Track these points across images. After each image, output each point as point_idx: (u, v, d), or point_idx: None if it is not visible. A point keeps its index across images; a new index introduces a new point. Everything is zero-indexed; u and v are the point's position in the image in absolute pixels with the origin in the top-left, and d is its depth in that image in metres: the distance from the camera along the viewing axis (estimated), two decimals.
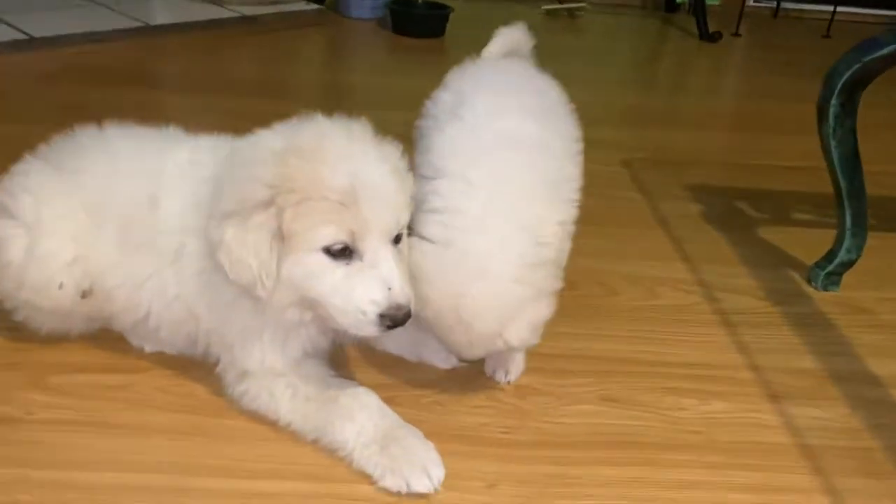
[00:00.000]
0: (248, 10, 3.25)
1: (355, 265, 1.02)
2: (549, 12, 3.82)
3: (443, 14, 3.28)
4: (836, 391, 1.35)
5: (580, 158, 1.28)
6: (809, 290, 1.65)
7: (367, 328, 1.02)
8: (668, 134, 2.51)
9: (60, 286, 1.17)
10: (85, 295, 1.19)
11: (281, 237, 1.00)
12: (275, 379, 1.14)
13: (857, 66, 1.45)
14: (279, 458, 1.10)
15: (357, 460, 1.08)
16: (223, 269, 1.03)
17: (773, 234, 1.87)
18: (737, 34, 3.80)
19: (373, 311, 1.01)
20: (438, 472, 1.06)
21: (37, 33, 2.69)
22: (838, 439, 1.24)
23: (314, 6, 3.43)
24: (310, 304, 1.05)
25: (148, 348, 1.27)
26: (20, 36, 2.66)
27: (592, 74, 3.01)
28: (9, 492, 1.01)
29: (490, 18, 3.88)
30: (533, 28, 3.62)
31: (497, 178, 1.14)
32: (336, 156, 1.01)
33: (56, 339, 1.27)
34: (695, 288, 1.63)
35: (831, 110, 1.50)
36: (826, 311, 1.58)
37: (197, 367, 1.24)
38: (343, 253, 1.01)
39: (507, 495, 1.08)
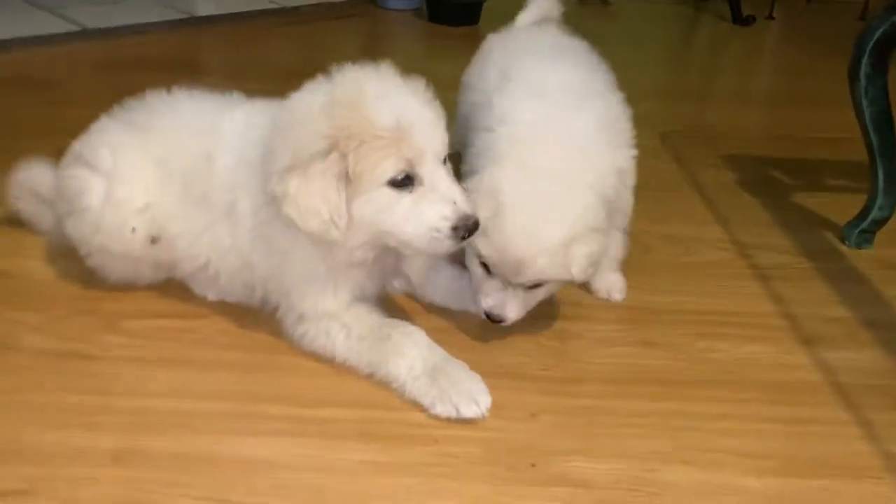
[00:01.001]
0: (289, 2, 3.36)
1: (418, 191, 1.09)
2: (582, 1, 3.87)
3: (477, 2, 3.35)
4: (868, 336, 1.39)
5: (629, 111, 1.37)
6: (843, 248, 1.69)
7: (444, 244, 1.10)
8: (703, 109, 2.56)
9: (133, 230, 1.27)
10: (154, 241, 1.28)
11: (347, 180, 1.07)
12: (330, 321, 1.22)
13: (887, 25, 1.49)
14: (336, 389, 1.18)
15: (409, 391, 1.15)
16: (291, 222, 1.08)
17: (807, 200, 1.91)
18: (770, 17, 3.81)
19: (446, 227, 1.08)
20: (486, 400, 1.13)
21: (90, 25, 2.81)
22: (870, 379, 1.28)
23: None
24: (383, 237, 1.12)
25: (211, 296, 1.36)
26: (74, 28, 2.79)
27: (627, 57, 3.04)
28: (92, 414, 1.10)
29: (523, 6, 3.96)
30: (567, 16, 3.66)
31: (560, 122, 1.24)
32: (377, 98, 1.08)
33: (125, 289, 1.36)
34: (730, 246, 1.67)
35: (862, 70, 1.54)
36: (859, 267, 1.62)
37: (256, 314, 1.32)
38: (405, 182, 1.08)
39: (549, 424, 1.14)
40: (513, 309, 1.22)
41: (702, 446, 1.12)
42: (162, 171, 1.28)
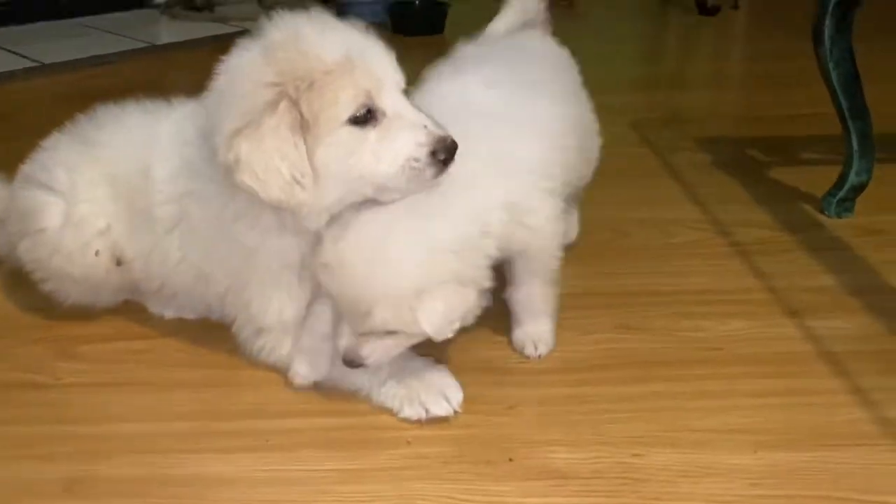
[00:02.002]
0: (251, 24, 3.31)
1: (382, 123, 0.98)
2: (546, 2, 3.85)
3: (441, 10, 3.32)
4: (856, 303, 1.33)
5: (566, 138, 1.19)
6: (823, 218, 1.64)
7: (426, 173, 0.97)
8: (674, 96, 2.52)
9: (97, 253, 1.21)
10: (119, 262, 1.22)
11: (303, 128, 0.95)
12: (289, 333, 1.15)
13: None
14: (300, 399, 1.12)
15: (376, 399, 1.09)
16: (250, 191, 0.96)
17: (784, 175, 1.86)
18: (735, 7, 3.80)
19: (423, 153, 0.96)
20: (456, 395, 1.07)
21: (48, 60, 2.77)
22: (860, 345, 1.23)
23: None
24: (356, 186, 0.99)
25: (168, 314, 1.30)
26: (33, 64, 2.75)
27: (595, 51, 3.02)
28: (46, 445, 1.04)
29: (489, 12, 3.93)
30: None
31: None
32: (318, 33, 0.98)
33: (78, 314, 1.30)
34: (708, 226, 1.62)
35: (826, 32, 1.50)
36: (840, 236, 1.57)
37: (213, 330, 1.26)
38: (367, 117, 0.97)
39: (528, 415, 1.09)
40: (370, 352, 1.02)
41: (689, 426, 1.06)
42: (113, 189, 1.22)
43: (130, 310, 1.31)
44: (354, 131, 0.96)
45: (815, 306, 1.33)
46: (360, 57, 0.97)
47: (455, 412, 1.06)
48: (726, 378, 1.16)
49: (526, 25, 1.39)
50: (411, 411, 1.06)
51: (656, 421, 1.07)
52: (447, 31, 3.29)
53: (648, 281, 1.41)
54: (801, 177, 1.83)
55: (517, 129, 1.11)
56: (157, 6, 3.55)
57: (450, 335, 1.01)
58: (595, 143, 1.35)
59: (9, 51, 2.89)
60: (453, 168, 0.99)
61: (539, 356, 1.20)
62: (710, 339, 1.25)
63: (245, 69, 0.98)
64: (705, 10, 3.66)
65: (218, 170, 1.00)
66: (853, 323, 1.28)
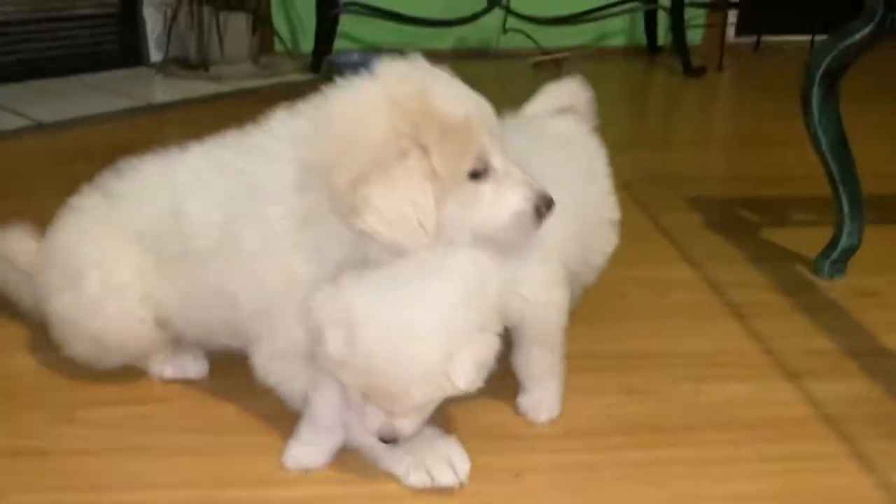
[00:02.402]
0: (245, 84, 3.37)
1: (494, 179, 1.02)
2: (535, 65, 3.94)
3: None
4: (854, 366, 1.35)
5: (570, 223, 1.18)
6: (817, 280, 1.67)
7: (530, 226, 1.04)
8: (663, 156, 2.57)
9: (142, 322, 1.21)
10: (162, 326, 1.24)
11: (431, 177, 0.98)
12: (304, 367, 1.11)
13: (832, 54, 1.51)
14: None
15: (382, 463, 1.09)
16: (369, 234, 0.97)
17: (776, 236, 1.90)
18: (720, 68, 3.90)
19: (530, 206, 1.02)
20: (463, 465, 1.06)
21: (45, 119, 2.79)
22: (860, 408, 1.24)
23: (309, 76, 3.56)
24: (464, 234, 1.03)
25: (167, 374, 1.30)
26: (29, 122, 2.76)
27: None
28: None
29: (478, 75, 4.02)
30: (522, 80, 3.72)
31: None
32: (441, 89, 1.00)
33: (78, 377, 1.29)
34: (703, 286, 1.65)
35: (813, 100, 1.55)
36: (835, 297, 1.59)
37: (219, 393, 1.26)
38: (482, 173, 1.01)
39: (533, 484, 1.08)
40: (405, 426, 1.01)
41: (695, 493, 1.06)
42: (141, 245, 1.21)
43: (130, 372, 1.30)
44: (472, 185, 1.01)
45: (813, 369, 1.34)
46: (475, 115, 1.01)
47: (461, 483, 1.05)
48: (729, 443, 1.16)
49: (565, 111, 1.39)
50: (417, 479, 1.05)
51: (663, 487, 1.07)
52: None
53: (648, 343, 1.43)
54: (792, 237, 1.87)
55: None
56: (153, 65, 3.60)
57: (481, 384, 1.01)
58: (606, 238, 1.34)
59: (3, 108, 2.92)
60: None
61: (543, 423, 1.20)
62: (711, 403, 1.26)
63: (375, 116, 0.98)
64: (691, 71, 3.76)
65: (325, 209, 1.01)
66: (852, 386, 1.30)
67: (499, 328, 1.03)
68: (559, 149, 1.28)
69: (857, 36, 1.48)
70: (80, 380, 1.30)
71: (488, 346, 1.00)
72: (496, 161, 1.03)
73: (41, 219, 1.37)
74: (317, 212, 1.03)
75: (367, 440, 1.07)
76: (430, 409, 1.04)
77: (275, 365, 1.14)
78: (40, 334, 1.42)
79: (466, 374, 0.97)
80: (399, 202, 0.96)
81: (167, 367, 1.30)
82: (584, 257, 1.27)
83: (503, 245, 1.05)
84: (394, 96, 0.98)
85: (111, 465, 1.12)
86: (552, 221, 1.11)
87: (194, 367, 1.32)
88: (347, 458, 1.11)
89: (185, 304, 1.20)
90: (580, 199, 1.24)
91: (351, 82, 1.04)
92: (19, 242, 1.39)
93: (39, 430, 1.19)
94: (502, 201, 1.02)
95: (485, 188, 1.02)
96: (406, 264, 1.00)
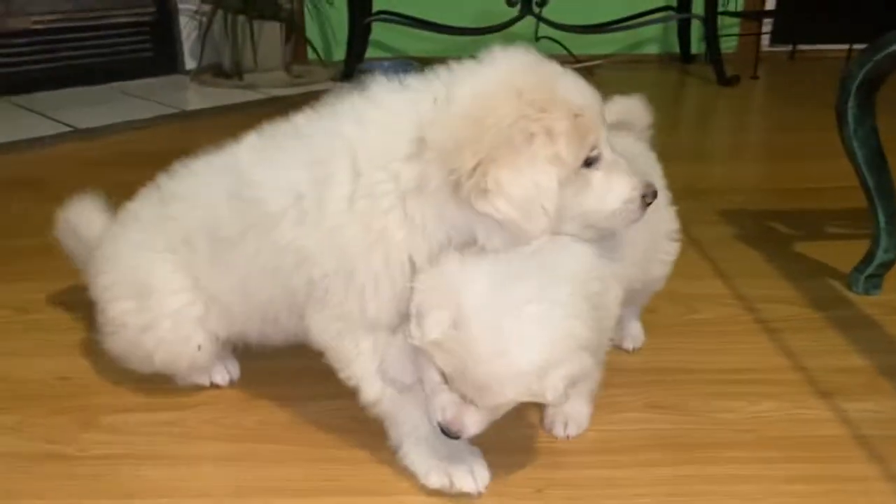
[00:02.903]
0: (278, 92, 3.40)
1: (603, 167, 1.03)
2: None
3: None
4: (888, 385, 1.31)
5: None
6: (851, 295, 1.63)
7: (635, 214, 1.05)
8: (695, 168, 2.54)
9: (199, 348, 1.23)
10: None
11: (557, 163, 0.97)
12: (366, 335, 1.10)
13: (869, 65, 1.48)
14: (326, 476, 1.11)
15: (405, 454, 1.09)
16: (491, 216, 0.96)
17: (809, 249, 1.86)
18: (755, 77, 3.85)
19: (637, 195, 1.04)
20: (483, 474, 1.06)
21: (81, 125, 2.84)
22: (894, 429, 1.21)
23: (339, 83, 3.58)
24: (575, 219, 1.03)
25: (196, 379, 1.31)
26: (66, 129, 2.82)
27: None
28: None
29: None
30: None
31: None
32: (564, 77, 1.02)
33: (103, 383, 1.32)
34: (734, 301, 1.62)
35: (849, 112, 1.52)
36: (870, 314, 1.55)
37: (243, 401, 1.27)
38: (594, 160, 1.02)
39: (557, 498, 1.07)
40: (473, 423, 1.01)
41: None
42: (190, 248, 1.21)
43: (155, 379, 1.31)
44: (585, 172, 1.01)
45: (846, 387, 1.31)
46: (589, 104, 1.01)
47: (479, 492, 1.05)
48: (758, 462, 1.13)
49: (623, 126, 1.38)
50: (437, 480, 1.06)
51: None
52: None
53: (677, 358, 1.40)
54: (826, 251, 1.83)
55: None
56: (188, 72, 3.65)
57: (565, 400, 1.00)
58: (667, 249, 1.35)
59: (41, 114, 2.98)
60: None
61: (568, 437, 1.18)
62: (741, 420, 1.23)
63: (503, 100, 0.97)
64: (725, 81, 3.72)
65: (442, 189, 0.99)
66: (885, 406, 1.26)
67: (607, 346, 1.06)
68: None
69: (894, 47, 1.45)
70: (106, 386, 1.31)
71: (584, 364, 0.98)
72: (605, 151, 1.04)
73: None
74: (424, 186, 1.01)
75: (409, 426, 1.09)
76: (503, 411, 1.03)
77: (337, 324, 1.10)
78: (67, 340, 1.46)
79: (558, 388, 0.95)
80: (527, 185, 0.96)
81: (195, 374, 1.31)
82: (647, 269, 1.28)
83: (605, 233, 1.07)
84: (518, 84, 0.98)
85: (134, 473, 1.12)
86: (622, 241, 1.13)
87: (223, 373, 1.33)
88: (361, 472, 1.11)
89: (242, 289, 1.18)
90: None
91: (467, 67, 1.03)
92: (88, 214, 1.43)
93: (65, 435, 1.20)
94: (612, 189, 1.03)
95: (596, 175, 1.03)
96: (517, 257, 0.99)
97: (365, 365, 1.10)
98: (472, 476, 1.05)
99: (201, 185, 1.21)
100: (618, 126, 1.32)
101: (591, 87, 1.04)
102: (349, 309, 1.06)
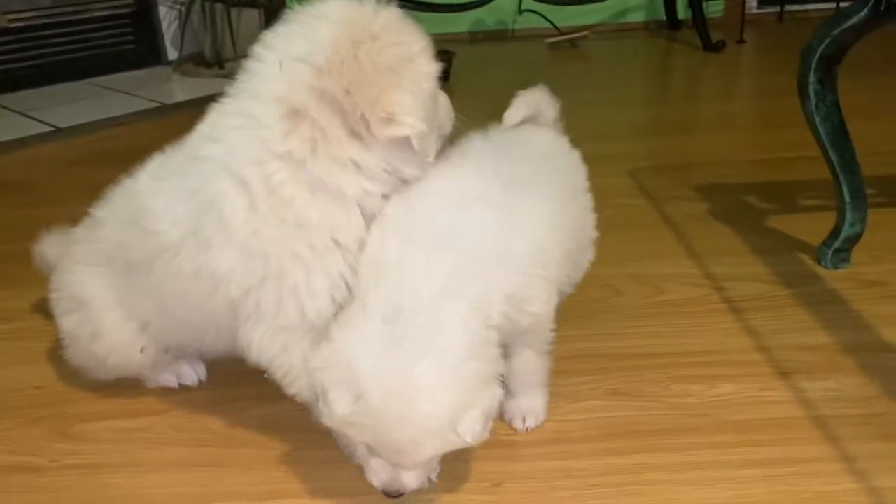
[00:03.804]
0: None
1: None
2: (551, 45, 3.89)
3: (446, 59, 3.36)
4: (849, 363, 1.33)
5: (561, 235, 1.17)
6: (820, 270, 1.64)
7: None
8: (674, 141, 2.53)
9: (142, 350, 1.26)
10: (168, 350, 1.30)
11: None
12: (308, 336, 1.09)
13: (828, 39, 1.47)
14: (290, 480, 1.13)
15: (355, 458, 1.12)
16: (402, 137, 1.03)
17: (782, 223, 1.86)
18: (741, 41, 3.81)
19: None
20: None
21: (62, 124, 2.85)
22: (852, 408, 1.22)
23: None
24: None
25: (162, 380, 1.35)
26: (48, 129, 2.82)
27: (598, 96, 3.05)
28: None
29: (495, 58, 4.00)
30: (538, 62, 3.67)
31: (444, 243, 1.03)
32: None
33: (76, 391, 1.34)
34: (703, 281, 1.62)
35: (811, 87, 1.52)
36: (837, 289, 1.56)
37: (212, 404, 1.29)
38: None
39: (513, 492, 1.09)
40: (410, 480, 1.02)
41: (678, 500, 1.06)
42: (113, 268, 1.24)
43: (126, 384, 1.33)
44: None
45: (807, 366, 1.32)
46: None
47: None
48: (714, 447, 1.15)
49: (535, 119, 1.35)
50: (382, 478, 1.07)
51: (645, 495, 1.07)
52: (452, 79, 3.33)
53: (641, 342, 1.42)
54: (800, 224, 1.83)
55: (515, 221, 1.10)
56: (170, 63, 3.64)
57: (486, 436, 1.00)
58: (587, 250, 1.33)
59: (23, 114, 2.98)
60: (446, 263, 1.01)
61: (527, 429, 1.20)
62: (699, 404, 1.25)
63: (366, 44, 1.04)
64: (710, 47, 3.68)
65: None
66: (846, 384, 1.27)
67: (501, 371, 1.03)
68: (549, 163, 1.27)
69: (854, 19, 1.44)
70: (80, 393, 1.34)
71: (493, 396, 0.99)
72: None
73: (58, 224, 1.46)
74: (316, 149, 1.04)
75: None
76: (435, 461, 1.05)
77: (279, 338, 1.10)
78: (42, 348, 1.48)
79: (475, 429, 0.96)
80: (417, 99, 1.04)
81: (163, 375, 1.34)
82: (570, 274, 1.26)
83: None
84: (364, 25, 1.05)
85: (102, 482, 1.15)
86: (549, 239, 1.13)
87: (190, 374, 1.36)
88: (327, 474, 1.14)
89: (163, 310, 1.21)
90: (572, 215, 1.23)
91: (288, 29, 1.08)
92: (52, 247, 1.45)
93: (37, 445, 1.23)
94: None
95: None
96: (399, 312, 0.97)
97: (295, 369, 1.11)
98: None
99: (115, 209, 1.24)
100: (527, 121, 1.32)
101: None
102: (287, 315, 1.07)
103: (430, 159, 1.09)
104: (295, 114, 1.03)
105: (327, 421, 0.99)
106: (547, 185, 1.19)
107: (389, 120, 1.02)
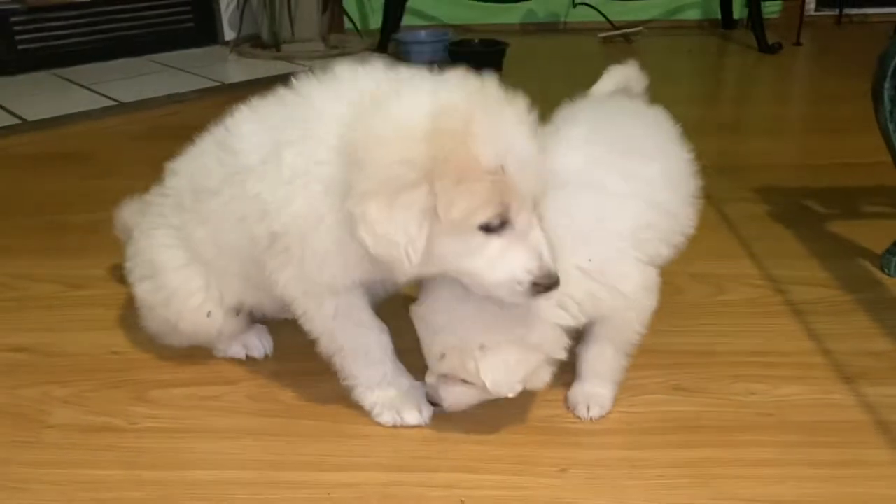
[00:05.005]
0: (317, 63, 3.42)
1: (507, 235, 1.00)
2: (605, 39, 3.88)
3: (499, 50, 3.38)
4: None
5: (646, 200, 1.18)
6: (882, 277, 1.63)
7: (520, 297, 1.02)
8: (732, 141, 2.52)
9: (209, 314, 1.29)
10: (238, 312, 1.33)
11: (433, 216, 0.97)
12: (329, 298, 1.16)
13: None
14: (359, 452, 1.17)
15: (358, 396, 1.23)
16: (362, 244, 0.99)
17: (843, 228, 1.86)
18: (798, 43, 3.77)
19: (527, 280, 1.00)
20: (429, 409, 1.21)
21: (125, 99, 2.91)
22: None
23: (377, 54, 3.59)
24: (454, 274, 1.05)
25: (231, 353, 1.39)
26: (111, 103, 2.89)
27: (652, 93, 3.03)
28: (120, 489, 1.11)
29: (546, 50, 3.99)
30: (590, 56, 3.65)
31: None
32: (484, 132, 0.97)
33: (153, 359, 1.39)
34: (763, 282, 1.63)
35: (885, 93, 1.51)
36: None
37: (280, 377, 1.33)
38: (497, 227, 1.00)
39: (579, 478, 1.11)
40: (447, 396, 1.15)
41: (741, 495, 1.08)
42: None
43: (197, 354, 1.38)
44: (480, 237, 1.00)
45: (871, 372, 1.32)
46: (512, 168, 0.97)
47: (425, 424, 1.21)
48: (778, 446, 1.16)
49: (624, 93, 1.42)
50: (388, 418, 1.21)
51: (708, 487, 1.09)
52: (505, 69, 3.34)
53: (703, 340, 1.43)
54: (861, 231, 1.82)
55: (606, 193, 1.15)
56: (226, 43, 3.69)
57: (510, 394, 1.10)
58: (687, 205, 1.32)
59: (86, 87, 3.05)
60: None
61: (591, 418, 1.22)
62: (763, 403, 1.26)
63: (404, 134, 0.97)
64: (767, 48, 3.64)
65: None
66: None
67: (558, 356, 1.13)
68: (650, 124, 1.33)
69: None
70: (153, 360, 1.39)
71: (525, 363, 1.09)
72: (520, 219, 1.00)
73: (122, 196, 1.52)
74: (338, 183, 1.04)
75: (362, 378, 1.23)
76: (467, 396, 1.14)
77: (302, 285, 1.15)
78: (118, 315, 1.53)
79: (493, 373, 1.07)
80: (393, 229, 0.97)
81: (232, 346, 1.39)
82: (674, 233, 1.26)
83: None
84: (436, 124, 0.96)
85: (179, 445, 1.20)
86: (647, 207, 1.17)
87: (258, 346, 1.40)
88: (395, 448, 1.17)
89: (214, 239, 1.23)
90: (671, 166, 1.27)
91: (417, 79, 1.06)
92: (130, 213, 1.50)
93: (116, 408, 1.28)
94: (502, 263, 1.01)
95: (493, 243, 1.00)
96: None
97: (325, 323, 1.18)
98: (419, 411, 1.20)
99: (197, 148, 1.28)
100: (617, 93, 1.37)
101: (530, 148, 1.00)
102: (308, 271, 1.11)
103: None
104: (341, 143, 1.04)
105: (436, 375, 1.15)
106: (649, 143, 1.26)
107: (358, 221, 0.99)
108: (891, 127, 1.52)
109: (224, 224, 1.20)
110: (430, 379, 1.17)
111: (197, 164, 1.26)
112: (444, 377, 1.14)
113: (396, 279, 1.12)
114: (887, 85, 1.50)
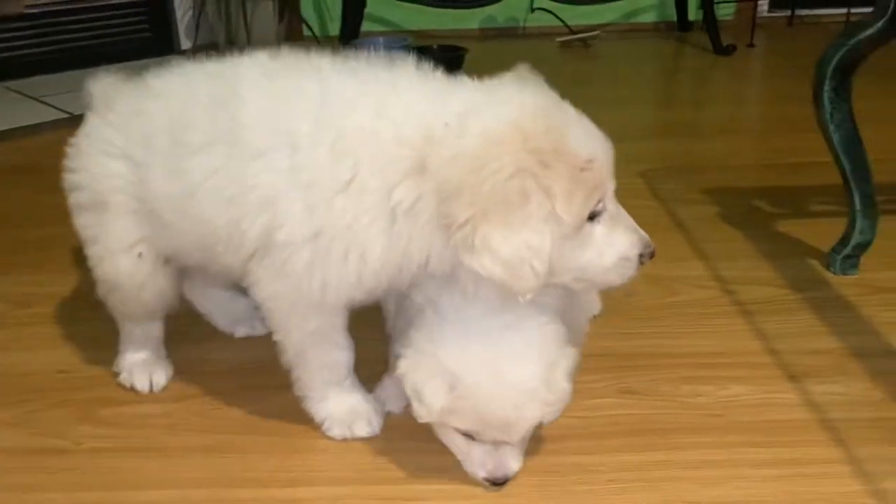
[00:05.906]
0: None
1: (605, 222, 1.01)
2: (562, 44, 3.91)
3: (457, 55, 3.38)
4: (857, 367, 1.35)
5: None
6: (829, 276, 1.66)
7: (630, 271, 1.04)
8: (685, 144, 2.55)
9: (140, 255, 1.21)
10: (169, 260, 1.25)
11: (552, 221, 0.94)
12: (316, 315, 1.13)
13: (844, 49, 1.49)
14: (310, 467, 1.16)
15: (309, 407, 1.22)
16: (476, 272, 0.95)
17: (791, 228, 1.89)
18: (751, 45, 3.83)
19: (635, 255, 1.03)
20: (378, 420, 1.22)
21: (76, 110, 2.86)
22: (860, 411, 1.25)
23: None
24: (566, 274, 1.02)
25: (238, 333, 1.47)
26: (62, 115, 2.84)
27: (609, 96, 3.07)
28: None
29: (505, 56, 4.01)
30: (549, 61, 3.67)
31: None
32: (575, 126, 0.99)
33: (101, 374, 1.37)
34: (713, 283, 1.65)
35: (825, 95, 1.54)
36: (845, 294, 1.59)
37: (230, 394, 1.32)
38: (597, 214, 1.00)
39: (528, 486, 1.12)
40: (513, 460, 1.09)
41: (688, 498, 1.09)
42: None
43: None
44: (587, 227, 1.00)
45: (815, 370, 1.35)
46: (602, 157, 0.99)
47: (375, 434, 1.20)
48: (725, 447, 1.18)
49: None
50: (338, 432, 1.20)
51: (659, 491, 1.10)
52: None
53: (653, 342, 1.44)
54: (809, 230, 1.86)
55: None
56: (183, 53, 3.66)
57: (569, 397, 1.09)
58: None
59: (38, 100, 3.00)
60: None
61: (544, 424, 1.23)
62: (710, 404, 1.27)
63: (505, 150, 0.93)
64: (721, 50, 3.69)
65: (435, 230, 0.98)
66: (853, 388, 1.30)
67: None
68: None
69: (870, 30, 1.46)
70: (103, 378, 1.37)
71: (573, 356, 1.08)
72: (610, 204, 1.02)
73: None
74: (417, 213, 0.98)
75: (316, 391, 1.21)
76: (528, 435, 1.11)
77: (292, 296, 1.09)
78: (65, 333, 1.51)
79: (565, 387, 1.05)
80: (517, 246, 0.93)
81: (238, 327, 1.47)
82: None
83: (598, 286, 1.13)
84: (526, 129, 0.94)
85: (127, 465, 1.18)
86: None
87: (158, 377, 1.35)
88: (346, 463, 1.16)
89: (183, 205, 1.12)
90: None
91: (482, 94, 1.03)
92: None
93: (62, 428, 1.26)
94: (611, 245, 1.02)
95: (597, 230, 1.01)
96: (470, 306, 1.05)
97: (302, 339, 1.15)
98: (369, 424, 1.20)
99: (186, 82, 1.18)
100: None
101: (604, 139, 1.02)
102: (308, 287, 1.04)
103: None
104: (422, 167, 0.97)
105: (428, 417, 1.05)
106: None
107: (472, 249, 0.93)
108: (831, 127, 1.55)
109: (200, 192, 1.08)
110: (489, 464, 1.08)
111: (181, 108, 1.13)
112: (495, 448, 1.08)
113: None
114: (826, 87, 1.53)
